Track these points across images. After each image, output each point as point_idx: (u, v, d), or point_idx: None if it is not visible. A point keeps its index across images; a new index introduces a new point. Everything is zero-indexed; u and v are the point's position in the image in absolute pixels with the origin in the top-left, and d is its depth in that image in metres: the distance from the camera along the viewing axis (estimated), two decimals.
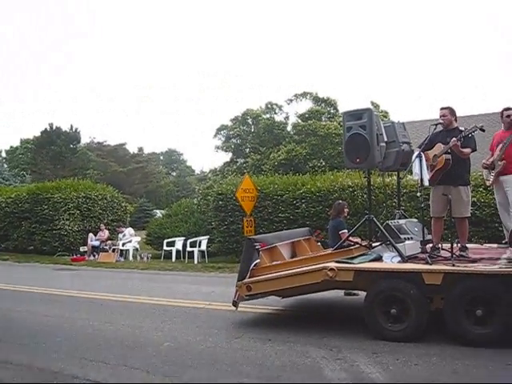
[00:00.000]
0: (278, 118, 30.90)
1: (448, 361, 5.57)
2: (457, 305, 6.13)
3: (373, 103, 29.90)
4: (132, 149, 62.80)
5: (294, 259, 7.90)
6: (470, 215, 7.64)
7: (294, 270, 7.15)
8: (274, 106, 31.29)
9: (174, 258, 17.33)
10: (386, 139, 7.73)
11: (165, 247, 17.94)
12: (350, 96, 67.04)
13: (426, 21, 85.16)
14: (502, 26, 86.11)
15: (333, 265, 6.77)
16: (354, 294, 8.62)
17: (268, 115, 30.35)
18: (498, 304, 5.94)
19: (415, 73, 79.84)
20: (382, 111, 29.03)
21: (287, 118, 31.15)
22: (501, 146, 7.78)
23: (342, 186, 14.19)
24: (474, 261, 6.74)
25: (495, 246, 8.52)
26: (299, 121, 27.95)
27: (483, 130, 7.22)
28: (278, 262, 7.66)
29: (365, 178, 8.22)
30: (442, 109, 7.63)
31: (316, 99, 31.37)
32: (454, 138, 7.08)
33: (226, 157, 31.44)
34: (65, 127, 49.37)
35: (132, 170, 54.20)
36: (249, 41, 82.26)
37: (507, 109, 8.01)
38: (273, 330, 7.24)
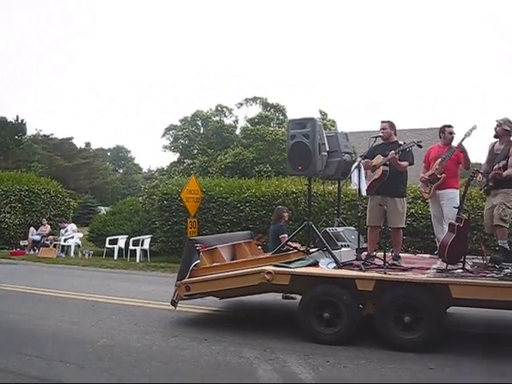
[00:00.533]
0: (228, 121, 31.04)
1: (375, 364, 5.82)
2: (387, 311, 6.40)
3: (321, 112, 30.32)
4: (79, 143, 61.78)
5: (233, 261, 8.05)
6: (404, 226, 7.97)
7: (232, 272, 7.31)
8: (224, 109, 31.42)
9: (116, 256, 17.24)
10: (328, 149, 7.98)
11: (107, 245, 17.81)
12: (300, 103, 67.71)
13: (382, 27, 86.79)
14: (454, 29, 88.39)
15: (270, 268, 6.93)
16: (292, 298, 8.82)
17: (218, 118, 30.46)
18: (424, 311, 6.25)
19: (368, 83, 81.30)
20: (329, 120, 29.49)
21: (236, 121, 31.31)
22: (440, 160, 8.08)
23: (286, 192, 14.41)
24: (406, 269, 7.05)
25: (428, 256, 8.87)
26: (248, 125, 28.13)
27: (420, 146, 7.55)
28: (218, 264, 7.79)
29: (306, 185, 8.45)
30: (382, 122, 7.94)
31: (266, 105, 31.64)
32: (393, 151, 7.37)
33: (174, 157, 31.37)
34: (10, 118, 48.26)
35: (78, 165, 53.26)
36: (202, 42, 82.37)
37: (449, 126, 8.35)
38: (209, 330, 7.36)
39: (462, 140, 7.93)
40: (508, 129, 7.70)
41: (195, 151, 29.23)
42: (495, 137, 7.85)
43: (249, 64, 77.65)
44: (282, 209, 9.96)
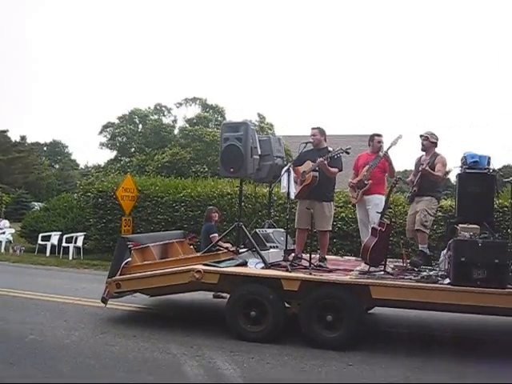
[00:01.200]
0: (166, 120, 31.02)
1: (298, 360, 6.08)
2: (310, 310, 6.66)
3: (259, 115, 30.75)
4: (14, 137, 60.06)
5: (164, 260, 8.13)
6: (330, 229, 8.28)
7: (163, 270, 7.41)
8: (163, 108, 31.40)
9: (48, 253, 16.98)
10: (260, 152, 8.18)
11: (40, 241, 17.49)
12: (239, 105, 68.00)
13: (319, 30, 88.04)
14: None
15: (200, 267, 7.08)
16: (223, 297, 9.00)
17: (156, 116, 30.39)
18: (346, 311, 6.55)
19: (307, 88, 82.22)
20: (267, 123, 29.88)
21: (175, 121, 31.31)
22: (367, 167, 8.43)
23: (222, 193, 14.57)
24: (330, 271, 7.34)
25: (353, 258, 9.23)
26: (187, 125, 28.18)
27: (348, 153, 7.87)
28: (149, 262, 7.87)
29: (237, 187, 8.64)
30: (312, 129, 8.22)
31: (205, 105, 31.79)
32: (322, 158, 7.66)
33: (111, 154, 31.07)
34: None
35: (12, 159, 51.76)
36: (143, 39, 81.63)
37: (378, 135, 8.71)
38: (138, 327, 7.45)
39: (388, 149, 8.34)
40: (434, 141, 8.18)
41: (132, 149, 29.07)
42: (423, 150, 8.30)
43: (189, 64, 77.44)
44: (211, 209, 10.14)
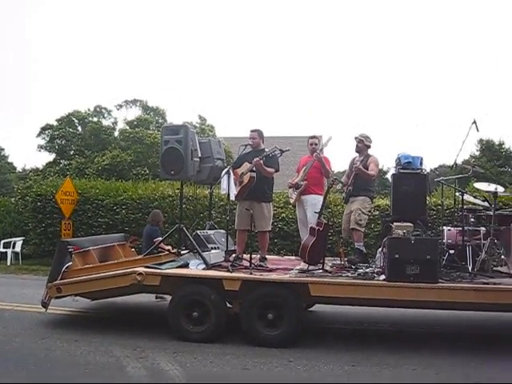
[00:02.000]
0: (106, 122, 30.60)
1: (240, 359, 6.18)
2: (252, 309, 6.79)
3: (200, 117, 30.71)
4: None
5: (106, 263, 8.11)
6: (270, 229, 8.45)
7: (104, 274, 7.40)
8: (103, 110, 31.02)
9: None
10: (200, 155, 8.27)
11: None
12: (180, 107, 67.56)
13: (258, 32, 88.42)
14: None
15: (141, 269, 7.10)
16: (164, 299, 9.02)
17: (96, 119, 29.96)
18: (286, 309, 6.71)
19: (249, 89, 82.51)
20: (208, 125, 29.88)
21: (115, 123, 30.97)
22: (304, 168, 8.66)
23: (163, 195, 14.57)
24: (271, 270, 7.51)
25: (293, 258, 9.42)
26: (127, 127, 27.89)
27: (282, 152, 8.04)
28: (90, 266, 7.85)
29: (178, 189, 8.70)
30: (251, 131, 8.38)
31: (146, 107, 31.60)
32: (257, 158, 7.82)
33: (50, 157, 30.40)
34: None
35: None
36: (82, 40, 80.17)
37: (312, 137, 8.93)
38: (80, 331, 7.41)
39: (320, 150, 8.60)
40: (369, 144, 8.49)
41: (72, 152, 28.53)
42: (357, 151, 8.59)
43: (130, 65, 76.57)
44: (159, 213, 10.19)
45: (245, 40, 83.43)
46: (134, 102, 31.92)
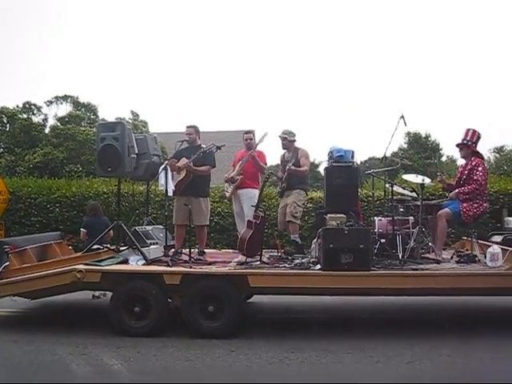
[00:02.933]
0: (36, 119, 30.05)
1: (183, 351, 6.29)
2: (192, 302, 6.90)
3: (133, 112, 30.55)
4: None
5: (44, 262, 8.04)
6: (208, 223, 8.61)
7: (43, 272, 7.34)
8: (33, 107, 30.37)
9: None
10: (137, 151, 8.30)
11: None
12: (112, 103, 66.62)
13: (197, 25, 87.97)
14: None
15: (81, 267, 7.09)
16: (100, 297, 9.04)
17: (25, 115, 29.30)
18: (226, 301, 6.87)
19: (184, 84, 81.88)
20: (141, 121, 29.75)
21: (46, 119, 30.46)
22: (240, 162, 8.83)
23: (97, 192, 14.40)
24: (210, 263, 7.64)
25: (231, 251, 9.60)
26: (58, 124, 27.43)
27: (219, 148, 8.21)
28: (28, 265, 7.77)
29: (115, 186, 8.72)
30: (188, 127, 8.50)
31: (77, 104, 31.11)
32: (187, 160, 7.98)
33: None
34: None
35: None
36: (8, 35, 77.67)
37: (247, 132, 9.14)
38: (20, 331, 7.35)
39: (256, 146, 8.80)
40: (292, 139, 8.75)
41: (1, 150, 27.86)
42: (284, 148, 8.84)
43: (59, 61, 74.88)
44: (94, 203, 10.45)
45: (175, 34, 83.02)
46: (65, 98, 31.43)
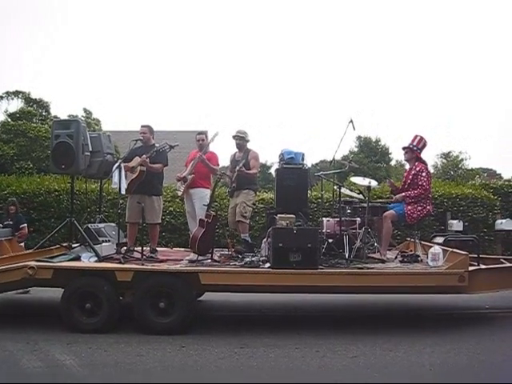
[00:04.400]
0: None
1: (134, 346, 6.38)
2: (144, 299, 7.01)
3: (86, 110, 30.29)
4: None
5: None
6: (160, 222, 8.72)
7: None
8: None
9: None
10: (91, 149, 8.33)
11: None
12: (65, 100, 65.50)
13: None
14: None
15: (33, 263, 7.11)
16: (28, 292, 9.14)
17: None
18: (177, 297, 7.00)
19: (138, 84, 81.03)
20: (94, 119, 29.52)
21: None
22: (192, 162, 8.94)
23: (48, 190, 14.29)
24: (162, 261, 7.76)
25: (183, 249, 9.71)
26: (9, 120, 26.97)
27: (173, 147, 8.32)
28: None
29: (69, 183, 8.73)
30: (142, 127, 8.61)
31: (28, 100, 30.61)
32: (144, 156, 8.08)
33: None
34: None
35: None
36: None
37: (200, 133, 9.21)
38: None
39: (207, 146, 8.92)
40: (248, 139, 8.97)
41: None
42: (238, 148, 9.02)
43: (10, 55, 73.30)
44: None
45: (130, 32, 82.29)
46: (16, 93, 30.86)
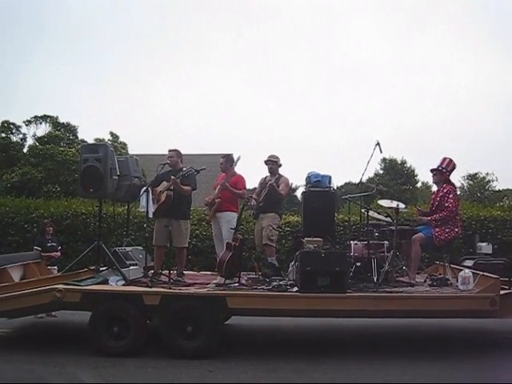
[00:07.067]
0: (15, 138, 29.98)
1: (162, 371, 6.38)
2: (171, 323, 7.01)
3: (112, 134, 30.62)
4: None
5: (24, 281, 8.08)
6: (187, 245, 8.71)
7: (23, 292, 7.38)
8: (11, 126, 30.29)
9: None
10: (118, 173, 8.43)
11: None
12: (92, 124, 66.26)
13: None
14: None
15: (61, 286, 7.15)
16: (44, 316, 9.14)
17: (4, 134, 29.23)
18: (204, 321, 6.98)
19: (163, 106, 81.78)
20: (120, 142, 29.82)
21: (24, 139, 30.40)
22: (219, 186, 8.95)
23: (76, 213, 14.45)
24: (189, 285, 7.74)
25: (209, 273, 9.69)
26: (37, 144, 27.38)
27: (198, 172, 8.34)
28: (8, 284, 7.81)
29: (97, 206, 8.79)
30: (170, 151, 8.66)
31: (56, 124, 31.05)
32: (173, 177, 8.10)
33: None
34: None
35: None
36: None
37: (223, 156, 9.25)
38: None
39: (232, 170, 8.91)
40: (280, 164, 8.99)
41: None
42: (270, 173, 9.06)
43: (39, 80, 74.43)
44: (45, 222, 10.61)
45: (154, 53, 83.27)
46: (44, 117, 31.35)
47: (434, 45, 79.47)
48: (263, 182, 9.10)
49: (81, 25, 76.03)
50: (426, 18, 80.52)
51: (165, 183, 8.22)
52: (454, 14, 76.30)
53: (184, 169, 8.37)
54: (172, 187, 8.13)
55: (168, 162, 8.53)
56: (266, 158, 9.16)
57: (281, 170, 9.18)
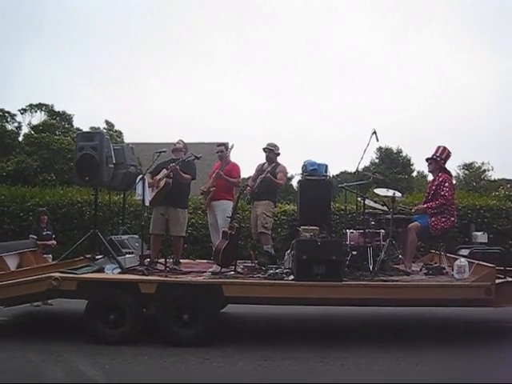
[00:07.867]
0: (10, 126, 29.87)
1: (158, 359, 6.37)
2: (167, 311, 7.02)
3: (108, 122, 30.48)
4: None
5: (20, 269, 8.07)
6: (184, 234, 8.70)
7: (19, 280, 7.37)
8: (6, 114, 30.17)
9: None
10: (114, 161, 8.40)
11: None
12: (87, 112, 65.89)
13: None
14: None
15: (57, 275, 7.12)
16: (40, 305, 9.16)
17: None
18: (201, 309, 6.99)
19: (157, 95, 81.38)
20: (116, 131, 29.70)
21: (19, 127, 30.32)
22: (214, 175, 8.93)
23: (71, 201, 14.42)
24: (185, 273, 7.76)
25: (205, 261, 9.69)
26: (32, 132, 27.25)
27: (198, 158, 8.32)
28: (4, 272, 7.80)
29: (93, 195, 8.76)
30: (177, 143, 8.63)
31: (51, 112, 30.95)
32: (173, 164, 8.07)
33: None
34: None
35: None
36: None
37: (219, 145, 9.18)
38: None
39: (227, 158, 8.87)
40: (278, 152, 8.95)
41: None
42: (267, 161, 9.00)
43: (34, 69, 73.91)
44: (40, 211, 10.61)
45: (151, 42, 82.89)
46: (40, 106, 31.23)
47: (430, 44, 79.18)
48: (260, 169, 9.06)
49: (77, 14, 75.46)
50: (421, 19, 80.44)
51: (165, 171, 8.20)
52: (447, 15, 76.20)
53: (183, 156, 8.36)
54: (171, 174, 8.11)
55: (163, 149, 8.31)
56: (264, 146, 9.12)
57: (279, 159, 9.13)
